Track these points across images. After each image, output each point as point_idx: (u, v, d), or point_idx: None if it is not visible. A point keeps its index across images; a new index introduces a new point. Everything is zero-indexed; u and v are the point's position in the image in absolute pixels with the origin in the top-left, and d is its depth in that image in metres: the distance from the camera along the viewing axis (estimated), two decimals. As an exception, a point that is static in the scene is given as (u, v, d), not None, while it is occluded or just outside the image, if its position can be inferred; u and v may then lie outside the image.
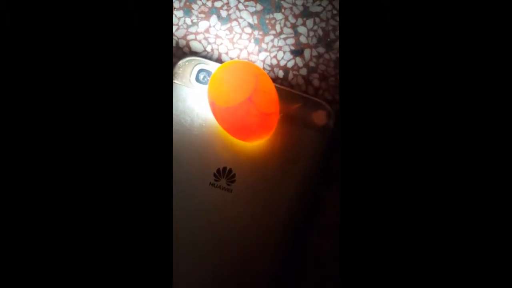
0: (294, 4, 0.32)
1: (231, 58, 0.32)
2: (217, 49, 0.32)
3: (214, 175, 0.29)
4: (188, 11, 0.33)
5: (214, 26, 0.32)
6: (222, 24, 0.32)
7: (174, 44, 0.32)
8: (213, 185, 0.29)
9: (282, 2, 0.32)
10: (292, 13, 0.32)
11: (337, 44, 0.32)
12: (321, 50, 0.32)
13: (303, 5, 0.32)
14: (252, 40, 0.32)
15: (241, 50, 0.32)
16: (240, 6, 0.33)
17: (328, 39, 0.32)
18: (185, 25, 0.33)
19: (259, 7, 0.33)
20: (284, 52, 0.32)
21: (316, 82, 0.32)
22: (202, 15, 0.33)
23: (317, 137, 0.29)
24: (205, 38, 0.32)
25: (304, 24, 0.32)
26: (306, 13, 0.32)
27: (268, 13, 0.32)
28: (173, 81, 0.30)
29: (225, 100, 0.26)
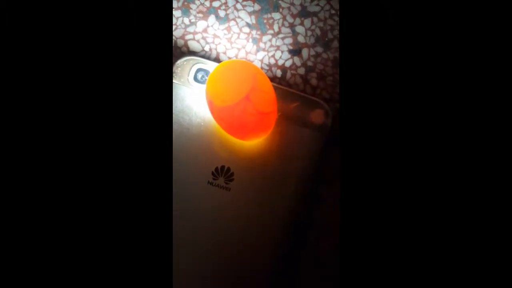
0: (292, 4, 0.32)
1: (229, 58, 0.32)
2: (215, 49, 0.32)
3: (213, 173, 0.29)
4: (186, 10, 0.33)
5: (212, 26, 0.32)
6: (220, 23, 0.32)
7: (172, 43, 0.32)
8: (211, 183, 0.29)
9: (280, 1, 0.32)
10: (290, 12, 0.32)
11: (335, 43, 0.32)
12: (319, 49, 0.32)
13: (301, 4, 0.32)
14: (250, 40, 0.32)
15: (239, 49, 0.32)
16: (238, 5, 0.33)
17: (326, 39, 0.32)
18: (183, 25, 0.32)
19: (257, 6, 0.33)
20: (282, 52, 0.32)
21: (314, 81, 0.32)
22: (200, 15, 0.33)
23: (315, 135, 0.29)
24: (203, 38, 0.32)
25: (302, 24, 0.32)
26: (304, 13, 0.32)
27: (266, 13, 0.32)
28: (172, 80, 0.30)
29: (223, 99, 0.26)
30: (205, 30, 0.32)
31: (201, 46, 0.32)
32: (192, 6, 0.33)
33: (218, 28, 0.32)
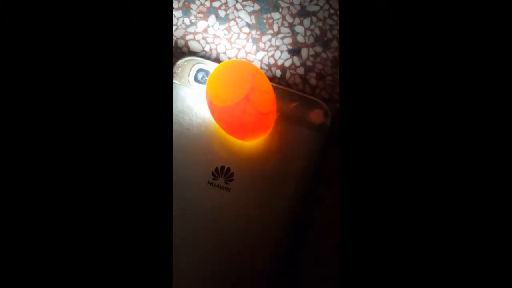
0: (292, 4, 0.32)
1: (229, 58, 0.32)
2: (216, 49, 0.32)
3: (213, 174, 0.29)
4: (186, 11, 0.33)
5: (212, 26, 0.32)
6: (220, 24, 0.32)
7: (173, 44, 0.32)
8: (211, 184, 0.29)
9: (279, 1, 0.32)
10: (290, 12, 0.32)
11: (334, 43, 0.32)
12: (318, 49, 0.32)
13: (300, 4, 0.32)
14: (250, 40, 0.32)
15: (239, 49, 0.32)
16: (238, 6, 0.32)
17: (325, 38, 0.32)
18: (183, 25, 0.32)
19: (256, 6, 0.32)
20: (282, 52, 0.32)
21: (313, 81, 0.31)
22: (201, 15, 0.32)
23: (314, 135, 0.29)
24: (204, 38, 0.32)
25: (301, 24, 0.32)
26: (303, 13, 0.32)
27: (266, 13, 0.32)
28: (172, 81, 0.30)
29: (223, 100, 0.26)
30: (205, 30, 0.32)
31: (202, 46, 0.32)
32: (193, 6, 0.32)
33: (218, 28, 0.32)
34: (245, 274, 0.28)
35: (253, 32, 0.32)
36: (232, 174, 0.29)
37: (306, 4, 0.32)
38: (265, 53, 0.32)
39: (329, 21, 0.32)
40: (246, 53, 0.32)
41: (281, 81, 0.31)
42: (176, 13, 0.32)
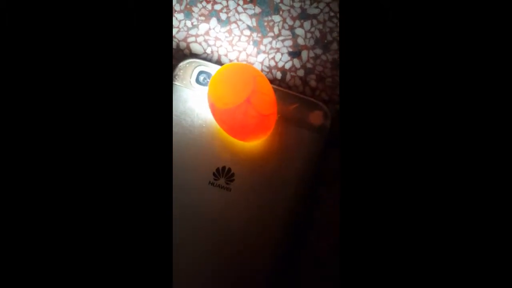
0: (292, 7, 0.32)
1: (231, 60, 0.32)
2: (217, 51, 0.32)
3: (214, 174, 0.29)
4: (188, 13, 0.32)
5: (214, 29, 0.32)
6: (221, 26, 0.32)
7: (175, 46, 0.32)
8: (212, 184, 0.28)
9: (280, 4, 0.32)
10: (290, 15, 0.32)
11: (334, 45, 0.32)
12: (318, 51, 0.32)
13: (300, 7, 0.32)
14: (251, 42, 0.32)
15: (240, 52, 0.32)
16: (239, 9, 0.32)
17: (325, 41, 0.32)
18: (185, 28, 0.32)
19: (257, 9, 0.32)
20: (282, 54, 0.32)
21: (313, 83, 0.31)
22: (202, 18, 0.32)
23: (314, 137, 0.29)
24: (205, 40, 0.32)
25: (301, 26, 0.32)
26: (303, 15, 0.32)
27: (267, 16, 0.32)
28: (174, 82, 0.30)
29: (224, 102, 0.26)
30: (207, 33, 0.32)
31: (203, 48, 0.32)
32: (194, 9, 0.32)
33: (220, 31, 0.32)
34: (245, 274, 0.27)
35: (254, 34, 0.32)
36: (233, 175, 0.28)
37: (306, 7, 0.32)
38: (266, 55, 0.32)
39: (329, 24, 0.32)
40: (247, 55, 0.32)
41: (281, 83, 0.31)
42: (178, 16, 0.32)
